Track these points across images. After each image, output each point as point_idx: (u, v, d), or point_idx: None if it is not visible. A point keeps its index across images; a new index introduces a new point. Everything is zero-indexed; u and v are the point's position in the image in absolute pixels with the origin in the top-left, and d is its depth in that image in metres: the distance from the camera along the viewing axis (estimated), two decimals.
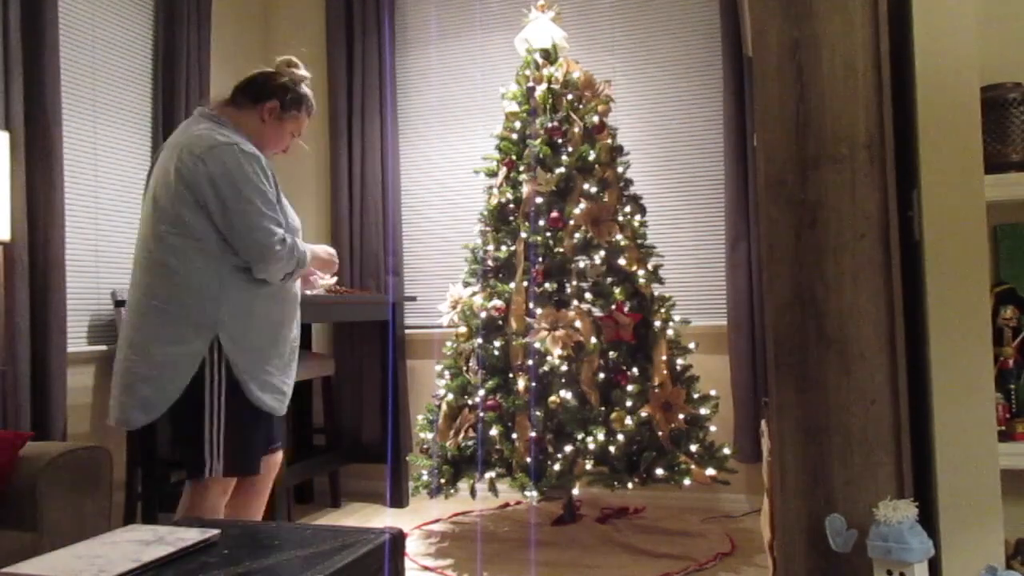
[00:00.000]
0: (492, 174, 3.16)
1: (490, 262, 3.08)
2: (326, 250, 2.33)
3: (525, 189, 3.01)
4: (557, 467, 2.75)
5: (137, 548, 1.52)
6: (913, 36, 1.44)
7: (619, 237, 2.94)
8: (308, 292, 2.38)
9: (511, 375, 2.90)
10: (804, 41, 1.51)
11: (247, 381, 2.04)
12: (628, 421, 2.73)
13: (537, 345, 2.82)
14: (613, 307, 2.88)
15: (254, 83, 2.20)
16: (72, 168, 3.07)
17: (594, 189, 2.96)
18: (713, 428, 2.90)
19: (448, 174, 4.01)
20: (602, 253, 2.94)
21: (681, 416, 2.80)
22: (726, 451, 2.85)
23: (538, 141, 3.02)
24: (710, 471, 2.78)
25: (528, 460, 2.75)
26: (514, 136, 3.11)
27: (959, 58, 1.42)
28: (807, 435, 1.49)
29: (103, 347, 3.14)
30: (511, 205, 3.07)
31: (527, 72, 3.15)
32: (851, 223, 1.47)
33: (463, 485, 2.96)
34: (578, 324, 2.82)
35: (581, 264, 2.98)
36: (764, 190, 1.54)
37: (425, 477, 2.93)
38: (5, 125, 2.65)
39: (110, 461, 2.22)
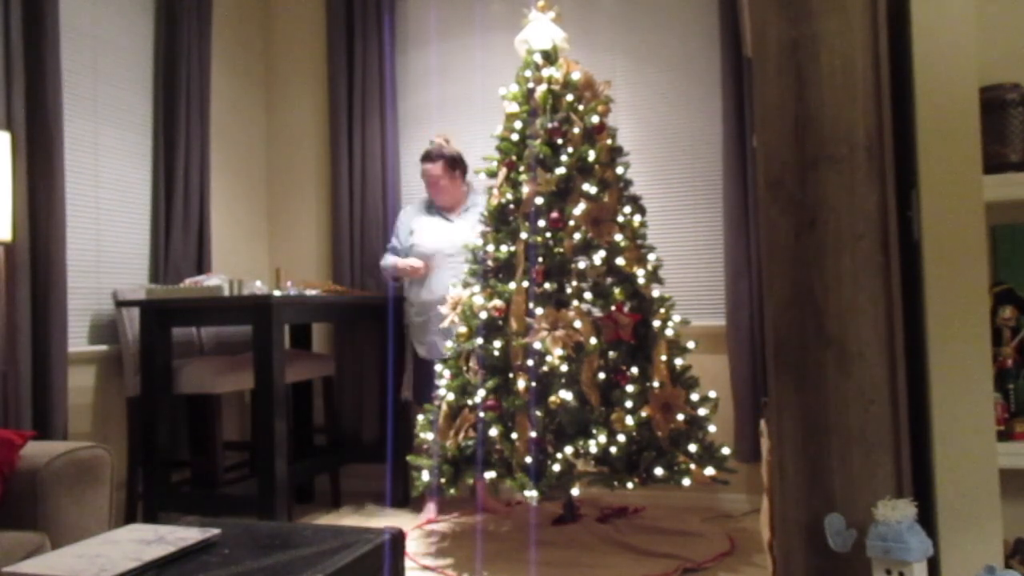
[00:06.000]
0: (492, 174, 3.16)
1: (490, 262, 3.08)
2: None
3: (525, 189, 3.01)
4: (557, 467, 2.75)
5: (138, 547, 1.52)
6: (912, 36, 1.45)
7: (619, 237, 2.94)
8: (309, 292, 2.38)
9: (511, 375, 2.90)
10: (803, 41, 1.51)
11: None
12: (629, 421, 2.74)
13: (537, 345, 2.82)
14: (613, 307, 2.88)
15: None
16: (73, 168, 3.07)
17: (594, 189, 2.96)
18: (712, 428, 2.91)
19: None
20: (602, 253, 2.94)
21: (680, 416, 2.80)
22: (725, 451, 2.85)
23: (538, 142, 3.02)
24: (709, 471, 2.78)
25: (528, 460, 2.76)
26: (514, 136, 3.11)
27: (958, 59, 1.42)
28: (806, 435, 1.49)
29: (104, 347, 3.14)
30: (511, 205, 3.07)
31: (527, 73, 3.15)
32: (850, 223, 1.47)
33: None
34: (578, 324, 2.82)
35: (581, 264, 2.98)
36: (763, 190, 1.54)
37: (425, 477, 2.94)
38: (7, 125, 2.65)
39: (111, 460, 2.22)
